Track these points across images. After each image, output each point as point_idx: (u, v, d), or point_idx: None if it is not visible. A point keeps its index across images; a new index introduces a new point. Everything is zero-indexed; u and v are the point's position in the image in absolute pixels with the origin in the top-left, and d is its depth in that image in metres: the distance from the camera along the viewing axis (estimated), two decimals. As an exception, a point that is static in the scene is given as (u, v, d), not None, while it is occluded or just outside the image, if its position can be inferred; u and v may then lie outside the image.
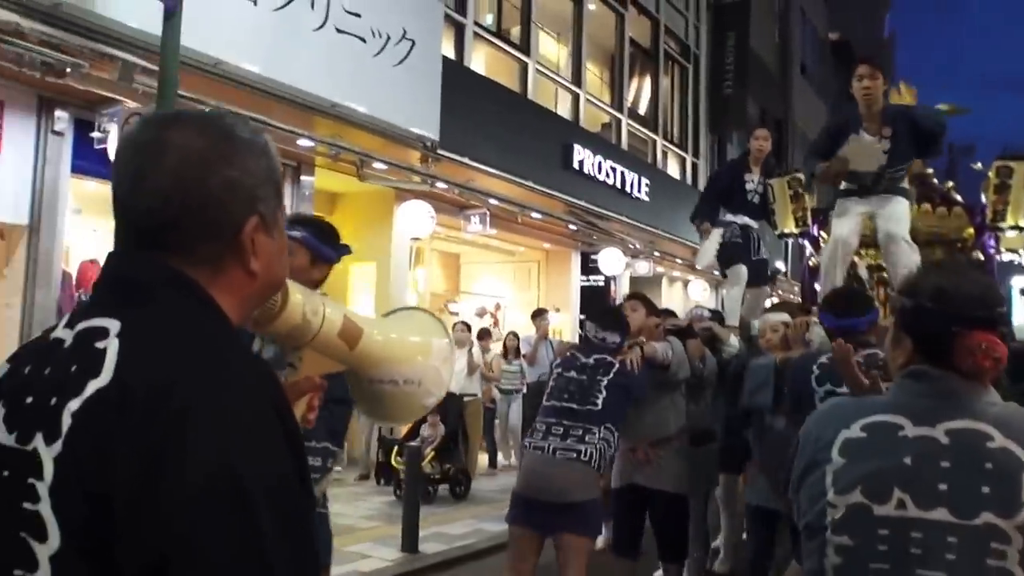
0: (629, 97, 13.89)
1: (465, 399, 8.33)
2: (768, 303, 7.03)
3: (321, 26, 7.07)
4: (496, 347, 10.28)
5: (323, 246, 2.62)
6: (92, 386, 0.80)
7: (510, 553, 3.81)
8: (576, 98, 12.27)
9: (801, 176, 6.15)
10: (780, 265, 8.11)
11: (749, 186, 6.40)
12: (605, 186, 11.93)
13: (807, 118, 21.53)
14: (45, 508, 0.79)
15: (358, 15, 7.40)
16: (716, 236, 6.43)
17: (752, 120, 17.88)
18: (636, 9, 13.93)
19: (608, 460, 3.90)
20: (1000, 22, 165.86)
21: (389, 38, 7.74)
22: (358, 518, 6.90)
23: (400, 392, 1.33)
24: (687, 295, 17.39)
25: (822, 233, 6.30)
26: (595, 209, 11.69)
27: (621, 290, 14.11)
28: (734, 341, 5.32)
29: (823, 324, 3.48)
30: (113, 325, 0.84)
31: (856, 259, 5.74)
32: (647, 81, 14.74)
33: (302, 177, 8.43)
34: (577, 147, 11.26)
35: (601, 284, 13.81)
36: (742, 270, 6.32)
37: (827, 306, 3.42)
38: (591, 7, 12.62)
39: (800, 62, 22.11)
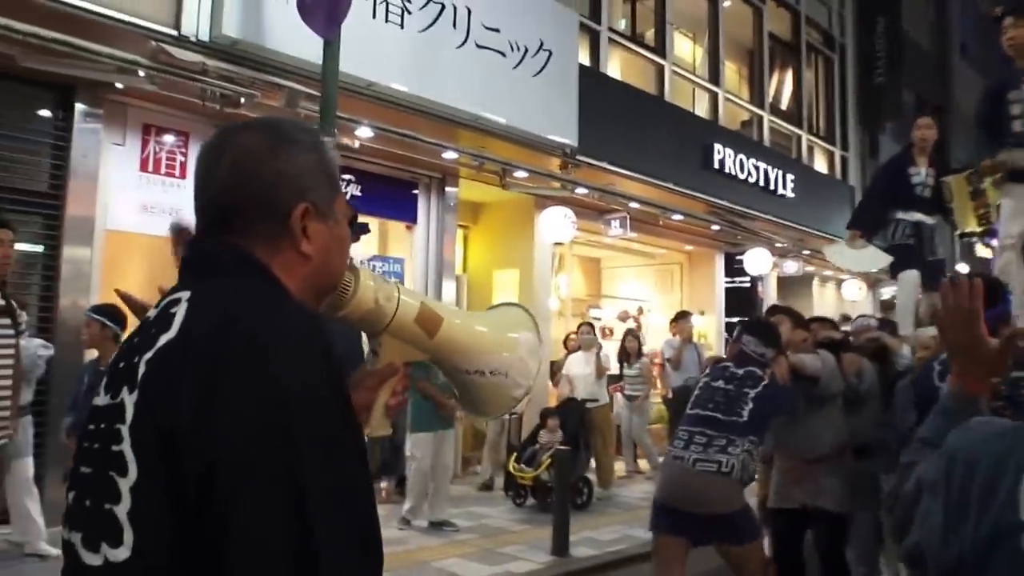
0: (770, 93, 13.54)
1: (589, 405, 8.24)
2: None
3: (463, 43, 7.44)
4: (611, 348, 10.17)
5: None
6: (163, 339, 0.93)
7: (656, 560, 3.79)
8: (714, 97, 12.12)
9: (979, 170, 5.50)
10: (962, 267, 7.38)
11: (916, 179, 5.86)
12: (747, 184, 11.68)
13: (969, 102, 20.10)
14: (126, 447, 0.90)
15: (497, 30, 7.72)
16: (862, 243, 6.01)
17: (908, 109, 16.96)
18: (775, 2, 13.58)
19: (751, 471, 3.79)
20: None
21: (527, 50, 8.02)
22: (507, 520, 7.11)
23: (488, 383, 1.34)
24: (840, 295, 16.69)
25: None
26: (738, 208, 11.47)
27: (768, 291, 13.75)
28: (906, 352, 4.97)
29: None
30: (185, 294, 0.98)
31: None
32: (788, 75, 14.33)
33: (447, 188, 8.86)
34: (717, 146, 11.12)
35: (747, 285, 13.50)
36: (913, 275, 5.80)
37: None
38: (726, 4, 12.44)
39: (960, 42, 20.69)
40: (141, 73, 5.74)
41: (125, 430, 0.90)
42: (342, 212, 1.12)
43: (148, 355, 0.93)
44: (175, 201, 6.82)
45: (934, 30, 19.36)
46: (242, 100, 6.17)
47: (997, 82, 4.68)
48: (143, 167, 6.78)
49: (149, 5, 5.75)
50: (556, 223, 9.11)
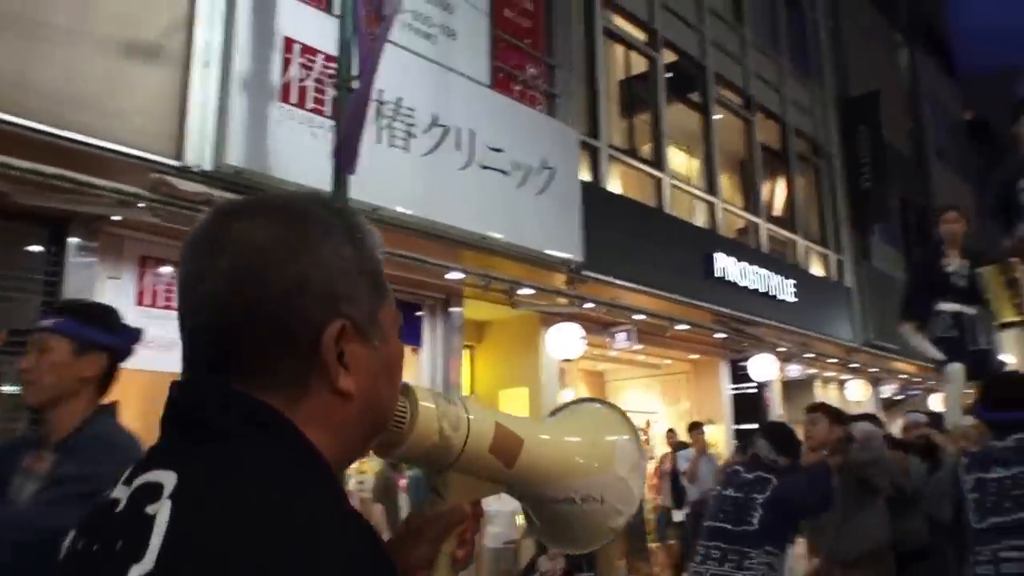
0: (765, 200, 13.71)
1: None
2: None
3: (466, 165, 7.39)
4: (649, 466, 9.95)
5: (87, 328, 2.02)
6: (134, 572, 0.61)
7: None
8: (711, 207, 12.21)
9: (1014, 260, 5.50)
10: (1011, 358, 7.28)
11: (951, 269, 5.74)
12: (748, 291, 11.67)
13: (950, 202, 20.54)
14: None
15: (500, 150, 7.70)
16: (916, 334, 5.85)
17: (894, 211, 17.25)
18: (763, 114, 13.92)
19: None
20: None
21: (530, 168, 7.99)
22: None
23: (579, 512, 1.06)
24: (843, 396, 16.53)
25: None
26: (741, 315, 11.39)
27: (773, 396, 13.55)
28: (953, 449, 4.78)
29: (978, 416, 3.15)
30: (168, 479, 0.65)
31: None
32: (780, 183, 14.57)
33: (451, 309, 8.66)
34: (718, 255, 11.13)
35: (753, 391, 13.35)
36: (957, 368, 5.62)
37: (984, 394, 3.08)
38: (717, 117, 12.70)
39: (936, 146, 21.36)
40: (141, 205, 5.58)
41: None
42: (391, 323, 0.79)
43: None
44: (175, 335, 6.52)
45: (912, 136, 19.96)
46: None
47: (1006, 172, 4.65)
48: (140, 301, 6.53)
49: (151, 137, 5.66)
50: (565, 340, 8.90)
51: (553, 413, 1.18)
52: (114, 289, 6.33)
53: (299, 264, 0.72)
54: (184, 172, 5.69)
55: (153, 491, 0.65)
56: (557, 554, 7.24)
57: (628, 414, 1.14)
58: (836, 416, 4.29)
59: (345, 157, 4.87)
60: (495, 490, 1.02)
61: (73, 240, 5.98)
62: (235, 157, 5.79)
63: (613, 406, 1.14)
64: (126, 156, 5.47)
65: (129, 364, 6.93)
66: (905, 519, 4.28)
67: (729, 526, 3.54)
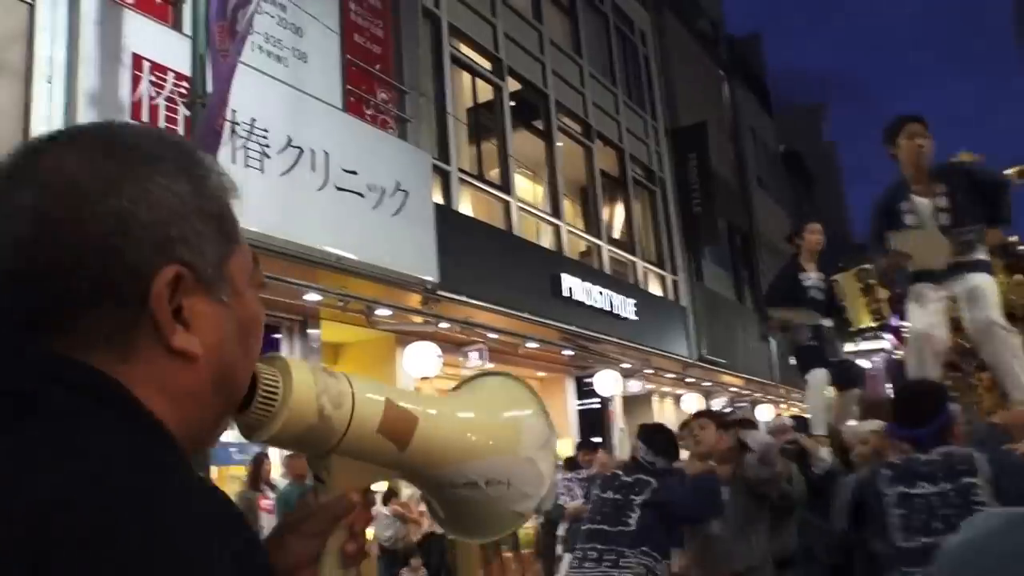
0: (605, 223, 14.45)
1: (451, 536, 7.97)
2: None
3: (323, 186, 7.45)
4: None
5: None
6: None
7: None
8: (557, 230, 12.76)
9: (869, 267, 5.53)
10: (866, 363, 7.49)
11: (808, 283, 5.76)
12: (594, 310, 12.25)
13: (770, 227, 22.42)
14: None
15: (355, 172, 7.81)
16: (791, 313, 5.79)
17: (722, 235, 18.61)
18: (601, 141, 14.72)
19: None
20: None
21: (384, 191, 8.14)
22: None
23: (484, 497, 0.94)
24: (679, 409, 17.54)
25: (902, 323, 5.74)
26: (587, 333, 11.95)
27: (616, 410, 14.21)
28: (825, 454, 4.53)
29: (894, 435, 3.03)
30: None
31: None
32: (619, 206, 15.40)
33: (308, 330, 8.62)
34: (565, 275, 11.64)
35: (597, 406, 13.94)
36: (821, 373, 5.63)
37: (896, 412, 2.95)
38: (559, 144, 13.32)
39: (756, 175, 23.22)
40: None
41: None
42: (243, 277, 0.68)
43: None
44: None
45: (735, 165, 21.63)
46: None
47: (885, 197, 4.58)
48: None
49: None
50: (422, 358, 9.05)
51: (456, 388, 1.05)
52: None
53: (120, 199, 0.59)
54: None
55: None
56: (418, 566, 7.34)
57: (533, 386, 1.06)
58: (723, 423, 4.27)
59: (212, 137, 4.85)
60: (387, 475, 0.91)
61: None
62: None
63: (517, 379, 1.02)
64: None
65: None
66: (783, 527, 4.19)
67: (607, 527, 3.51)
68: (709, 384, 17.69)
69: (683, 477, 3.86)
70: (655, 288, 15.74)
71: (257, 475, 7.03)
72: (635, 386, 14.93)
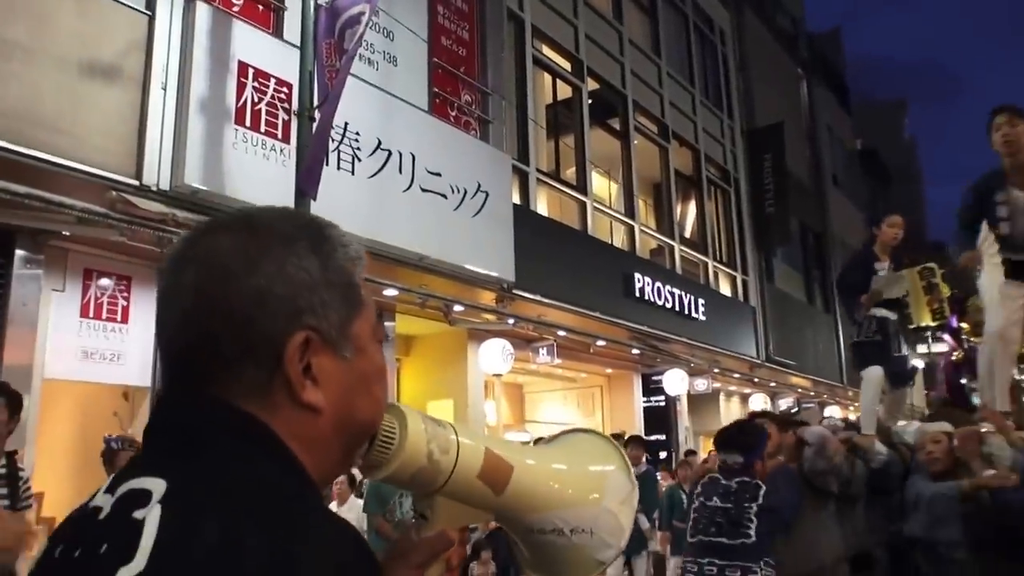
0: (678, 223, 14.48)
1: None
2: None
3: (408, 187, 7.74)
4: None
5: None
6: (123, 574, 0.61)
7: None
8: (631, 229, 12.86)
9: (933, 266, 5.59)
10: (918, 363, 7.31)
11: (880, 273, 5.72)
12: (664, 310, 12.34)
13: (844, 227, 22.01)
14: None
15: (439, 174, 8.08)
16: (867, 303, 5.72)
17: (794, 235, 18.40)
18: (677, 142, 14.73)
19: None
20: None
21: (466, 192, 8.40)
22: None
23: (567, 544, 1.03)
24: (746, 408, 17.48)
25: (961, 324, 5.76)
26: (657, 332, 12.05)
27: (682, 408, 14.26)
28: (882, 449, 4.61)
29: None
30: (157, 486, 0.65)
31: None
32: (692, 206, 15.39)
33: (385, 323, 8.95)
34: (637, 275, 11.76)
35: (662, 404, 14.00)
36: (877, 372, 5.61)
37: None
38: (635, 142, 13.39)
39: (832, 174, 22.79)
40: (111, 222, 5.67)
41: None
42: (367, 336, 0.78)
43: None
44: (117, 347, 6.63)
45: (810, 164, 21.28)
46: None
47: (980, 185, 4.54)
48: (84, 313, 6.57)
49: (109, 155, 5.79)
50: (495, 356, 9.30)
51: (538, 442, 1.22)
52: (58, 301, 6.39)
53: (259, 276, 0.71)
54: (142, 191, 5.85)
55: (140, 497, 0.64)
56: (487, 559, 7.54)
57: (613, 442, 1.15)
58: (783, 422, 4.24)
59: (309, 183, 5.16)
60: (483, 517, 0.99)
61: (20, 253, 6.04)
62: (192, 177, 5.99)
63: (604, 436, 1.13)
64: (84, 174, 5.59)
65: (71, 375, 6.88)
66: (849, 523, 4.13)
67: (725, 539, 3.34)
68: (775, 385, 17.57)
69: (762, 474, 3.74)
70: (725, 288, 15.70)
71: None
72: (702, 385, 14.94)
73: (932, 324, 6.11)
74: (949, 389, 6.49)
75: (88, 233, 5.85)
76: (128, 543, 0.60)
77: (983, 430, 3.67)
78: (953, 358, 5.89)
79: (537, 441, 1.13)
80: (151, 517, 0.61)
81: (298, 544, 0.61)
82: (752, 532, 3.34)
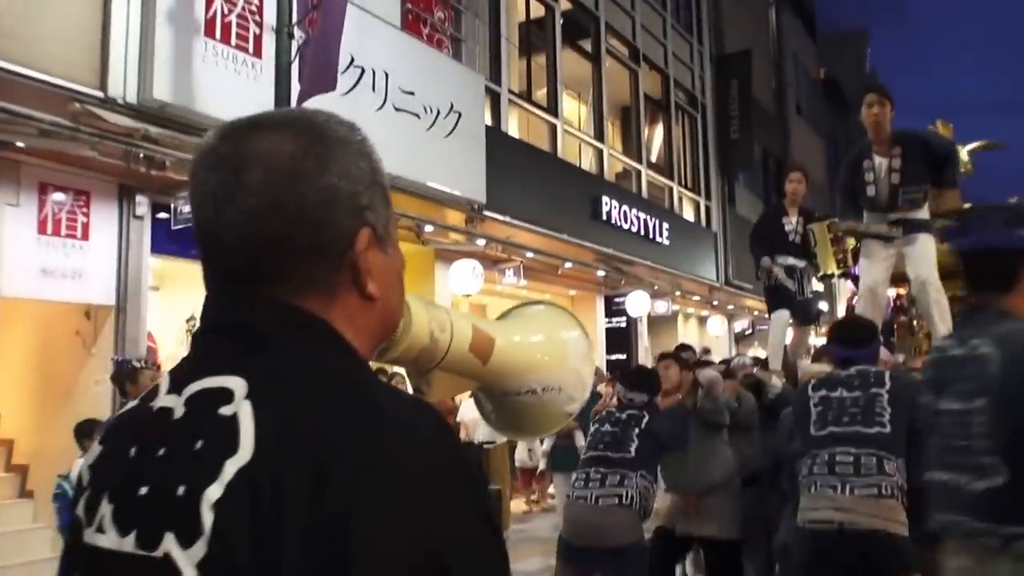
0: (645, 147, 14.49)
1: (486, 447, 8.36)
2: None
3: (381, 106, 7.60)
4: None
5: None
6: (231, 466, 0.63)
7: None
8: (599, 153, 12.84)
9: (838, 220, 6.05)
10: (823, 305, 8.01)
11: (788, 227, 6.39)
12: (629, 233, 12.48)
13: (805, 155, 22.24)
14: None
15: (412, 93, 7.94)
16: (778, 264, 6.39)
17: (757, 161, 18.56)
18: (648, 65, 14.62)
19: (650, 506, 4.04)
20: (962, 48, 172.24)
21: (439, 112, 8.28)
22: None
23: (540, 402, 1.15)
24: (704, 330, 17.91)
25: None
26: (622, 256, 12.20)
27: (642, 329, 14.56)
28: (777, 382, 5.28)
29: (830, 355, 3.65)
30: (237, 384, 0.68)
31: (902, 291, 6.01)
32: (659, 131, 15.38)
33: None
34: (604, 198, 11.82)
35: (623, 325, 14.26)
36: (784, 315, 6.34)
37: (832, 335, 3.58)
38: (607, 65, 13.25)
39: (796, 102, 22.89)
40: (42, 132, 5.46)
41: None
42: (395, 233, 0.84)
43: (214, 492, 0.63)
44: (78, 264, 6.43)
45: (775, 92, 21.31)
46: (167, 163, 6.03)
47: (853, 153, 5.18)
48: (41, 229, 6.34)
49: (72, 66, 5.56)
50: (465, 275, 9.34)
51: (502, 317, 1.29)
52: (13, 216, 6.18)
53: (329, 175, 0.74)
54: (108, 104, 5.66)
55: (221, 395, 0.67)
56: None
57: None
58: (684, 363, 4.76)
59: (327, 76, 5.06)
60: (470, 386, 1.13)
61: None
62: (161, 91, 5.80)
63: (559, 306, 1.28)
64: (45, 84, 5.37)
65: (29, 294, 6.74)
66: (742, 447, 4.69)
67: (610, 453, 3.99)
68: (732, 307, 17.99)
69: (657, 409, 4.38)
70: (689, 213, 15.87)
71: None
72: (662, 307, 15.21)
73: (837, 272, 6.73)
74: None
75: (53, 147, 5.66)
76: (227, 438, 0.64)
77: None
78: (854, 303, 6.28)
79: (501, 317, 1.24)
80: (243, 412, 0.65)
81: (372, 424, 0.66)
82: (632, 450, 3.98)
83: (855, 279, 6.73)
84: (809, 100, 25.02)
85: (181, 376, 0.72)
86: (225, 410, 0.66)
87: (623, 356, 14.10)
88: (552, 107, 11.67)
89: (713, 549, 4.43)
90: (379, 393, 0.70)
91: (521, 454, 9.63)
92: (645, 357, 14.33)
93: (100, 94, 5.67)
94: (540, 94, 11.82)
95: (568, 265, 11.34)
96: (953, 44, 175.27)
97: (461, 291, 9.54)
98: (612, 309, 14.00)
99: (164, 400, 0.71)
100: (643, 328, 14.60)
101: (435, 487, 0.65)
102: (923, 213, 4.96)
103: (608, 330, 14.07)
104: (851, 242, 6.44)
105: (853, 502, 2.99)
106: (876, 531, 2.95)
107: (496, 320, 1.27)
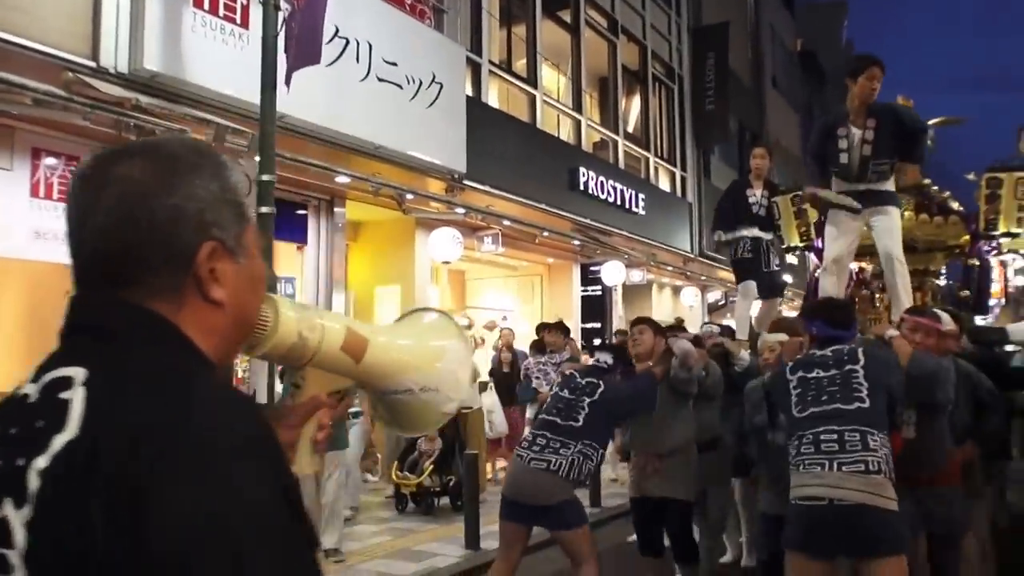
0: (623, 118, 14.70)
1: (463, 411, 8.54)
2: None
3: (365, 77, 7.77)
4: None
5: None
6: (59, 441, 0.72)
7: (501, 542, 4.31)
8: (577, 123, 13.05)
9: (803, 198, 6.34)
10: (788, 278, 8.30)
11: (752, 200, 6.53)
12: (606, 203, 12.74)
13: (780, 128, 22.56)
14: None
15: (395, 64, 8.11)
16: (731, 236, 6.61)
17: (732, 133, 18.82)
18: (626, 36, 14.77)
19: (585, 472, 4.21)
20: (932, 25, 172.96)
21: (421, 82, 8.46)
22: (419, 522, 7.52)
23: (417, 401, 1.26)
24: (678, 300, 18.28)
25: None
26: (598, 225, 12.48)
27: (617, 298, 14.89)
28: (745, 355, 5.38)
29: (813, 331, 3.76)
30: (78, 373, 0.78)
31: (864, 265, 6.24)
32: (636, 102, 15.59)
33: (335, 209, 9.10)
34: (582, 169, 12.06)
35: (599, 293, 14.56)
36: (751, 286, 6.49)
37: (818, 315, 3.72)
38: (585, 35, 13.41)
39: (772, 75, 23.11)
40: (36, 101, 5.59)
41: (15, 557, 0.71)
42: (252, 245, 0.94)
43: (41, 462, 0.72)
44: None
45: (751, 64, 21.51)
46: (157, 132, 6.19)
47: (828, 120, 5.26)
48: (34, 192, 6.53)
49: (64, 35, 5.68)
50: (445, 243, 9.58)
51: (400, 319, 1.43)
52: (5, 179, 6.34)
53: (175, 196, 0.85)
54: (100, 73, 5.80)
55: (64, 383, 0.77)
56: (434, 436, 7.93)
57: (462, 314, 1.60)
58: (658, 328, 4.88)
59: (313, 50, 5.23)
60: (346, 383, 1.23)
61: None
62: (151, 61, 5.94)
63: (447, 314, 1.39)
64: (40, 53, 5.49)
65: (21, 254, 6.92)
66: (705, 413, 4.94)
67: (559, 420, 4.16)
68: (705, 279, 18.34)
69: (631, 375, 4.61)
70: (664, 183, 16.14)
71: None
72: (637, 276, 15.51)
73: (800, 244, 6.93)
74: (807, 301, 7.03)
75: (46, 115, 5.80)
76: (59, 417, 0.74)
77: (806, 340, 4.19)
78: (816, 275, 6.45)
79: (399, 320, 1.43)
80: (76, 396, 0.75)
81: (194, 409, 0.75)
82: (580, 419, 4.16)
83: (818, 252, 7.01)
84: (786, 72, 25.25)
85: (44, 366, 0.82)
86: (64, 395, 0.76)
87: (598, 324, 14.42)
88: (531, 78, 11.85)
89: (673, 509, 4.61)
90: (201, 385, 0.80)
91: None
92: (619, 325, 14.68)
93: (92, 64, 5.79)
94: (520, 65, 11.98)
95: (545, 234, 11.61)
96: (927, 18, 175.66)
97: (441, 258, 9.79)
98: (588, 278, 14.28)
99: (27, 388, 0.81)
100: (618, 297, 14.90)
101: (234, 467, 0.73)
102: (889, 185, 5.08)
103: (584, 298, 14.36)
104: (813, 215, 6.64)
105: (841, 478, 3.09)
106: (864, 505, 3.04)
107: (387, 324, 1.41)
